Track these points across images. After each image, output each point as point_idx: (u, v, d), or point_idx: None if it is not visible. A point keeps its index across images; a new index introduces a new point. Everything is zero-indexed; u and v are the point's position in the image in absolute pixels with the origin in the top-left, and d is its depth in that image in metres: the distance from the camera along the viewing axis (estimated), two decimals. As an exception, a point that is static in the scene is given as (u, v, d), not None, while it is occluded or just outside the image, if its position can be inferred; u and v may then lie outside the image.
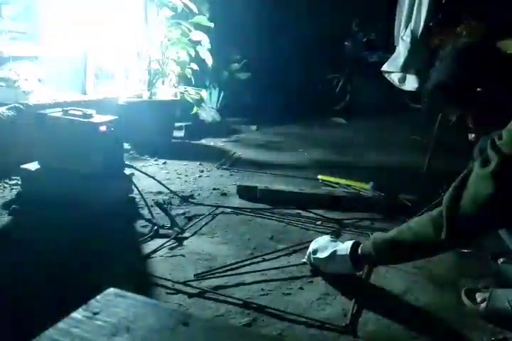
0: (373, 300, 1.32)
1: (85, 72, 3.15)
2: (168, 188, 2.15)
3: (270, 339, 0.58)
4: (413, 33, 4.16)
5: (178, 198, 2.12)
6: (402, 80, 4.40)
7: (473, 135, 1.24)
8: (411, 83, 4.35)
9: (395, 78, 4.41)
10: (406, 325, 1.20)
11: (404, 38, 4.22)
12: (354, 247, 1.32)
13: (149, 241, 1.67)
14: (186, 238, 1.71)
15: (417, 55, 4.24)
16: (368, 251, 1.28)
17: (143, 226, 1.80)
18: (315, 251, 1.41)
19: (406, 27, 4.22)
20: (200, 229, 1.81)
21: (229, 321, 1.16)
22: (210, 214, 1.97)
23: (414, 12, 4.14)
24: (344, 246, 1.35)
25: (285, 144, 3.72)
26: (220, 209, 2.03)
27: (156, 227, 1.76)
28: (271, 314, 1.22)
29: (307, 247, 1.66)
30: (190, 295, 1.29)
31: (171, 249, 1.61)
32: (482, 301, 1.27)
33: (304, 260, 1.48)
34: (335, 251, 1.35)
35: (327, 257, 1.36)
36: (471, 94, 1.12)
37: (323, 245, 1.41)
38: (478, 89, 1.11)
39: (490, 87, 1.11)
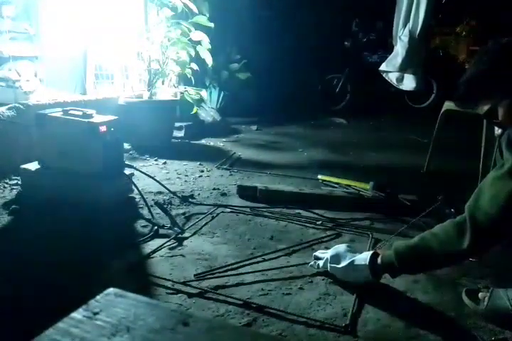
0: (373, 300, 1.32)
1: (85, 72, 3.15)
2: (167, 188, 2.15)
3: (270, 339, 0.58)
4: (411, 32, 4.17)
5: (178, 198, 2.12)
6: (400, 80, 4.41)
7: (500, 130, 1.23)
8: (409, 83, 4.36)
9: (392, 78, 4.42)
10: (406, 325, 1.20)
11: (402, 37, 4.22)
12: (373, 257, 1.31)
13: (149, 241, 1.67)
14: (186, 238, 1.71)
15: (415, 55, 4.25)
16: (390, 260, 1.26)
17: (143, 226, 1.80)
18: (332, 260, 1.39)
19: (404, 27, 4.22)
20: (200, 229, 1.81)
21: (229, 321, 1.16)
22: (210, 214, 1.97)
23: (413, 12, 4.15)
24: (363, 256, 1.34)
25: (285, 144, 3.72)
26: (220, 209, 2.03)
27: (156, 227, 1.76)
28: (271, 314, 1.22)
29: (307, 247, 1.67)
30: (190, 295, 1.29)
31: (171, 248, 1.61)
32: (477, 298, 1.28)
33: (312, 263, 1.46)
34: (353, 261, 1.34)
35: (345, 266, 1.35)
36: (509, 86, 1.11)
37: (341, 254, 1.39)
38: None
39: None
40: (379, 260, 1.30)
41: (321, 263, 1.43)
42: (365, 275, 1.32)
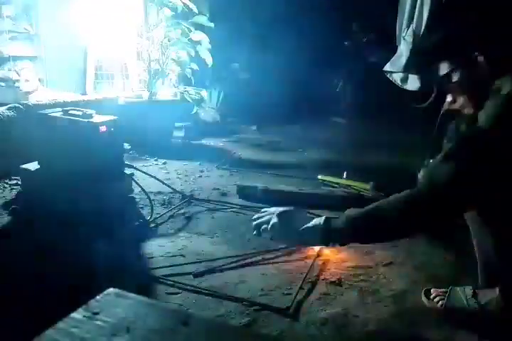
0: (374, 299, 1.32)
1: (85, 72, 3.15)
2: (170, 187, 2.16)
3: (270, 339, 0.58)
4: (415, 32, 4.15)
5: (178, 198, 2.12)
6: (404, 80, 4.39)
7: (449, 98, 1.28)
8: (413, 83, 4.35)
9: (397, 78, 4.40)
10: (406, 324, 1.20)
11: (406, 37, 4.21)
12: (326, 222, 1.20)
13: (149, 240, 1.67)
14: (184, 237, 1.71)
15: (419, 55, 4.24)
16: (340, 225, 1.18)
17: (141, 226, 1.80)
18: (282, 222, 1.23)
19: (408, 27, 4.21)
20: (201, 229, 1.81)
21: (229, 321, 1.16)
22: (209, 214, 1.97)
23: (416, 12, 4.13)
24: (315, 221, 1.21)
25: (285, 144, 3.71)
26: (220, 209, 2.03)
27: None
28: (271, 314, 1.22)
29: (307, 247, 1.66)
30: (190, 295, 1.29)
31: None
32: (435, 297, 1.28)
33: (255, 232, 1.28)
34: (304, 225, 1.20)
35: (295, 231, 1.20)
36: (471, 51, 1.16)
37: (291, 217, 1.25)
38: (476, 53, 1.14)
39: (490, 52, 1.14)
40: (331, 224, 1.19)
41: (268, 227, 1.25)
42: (315, 240, 1.21)
